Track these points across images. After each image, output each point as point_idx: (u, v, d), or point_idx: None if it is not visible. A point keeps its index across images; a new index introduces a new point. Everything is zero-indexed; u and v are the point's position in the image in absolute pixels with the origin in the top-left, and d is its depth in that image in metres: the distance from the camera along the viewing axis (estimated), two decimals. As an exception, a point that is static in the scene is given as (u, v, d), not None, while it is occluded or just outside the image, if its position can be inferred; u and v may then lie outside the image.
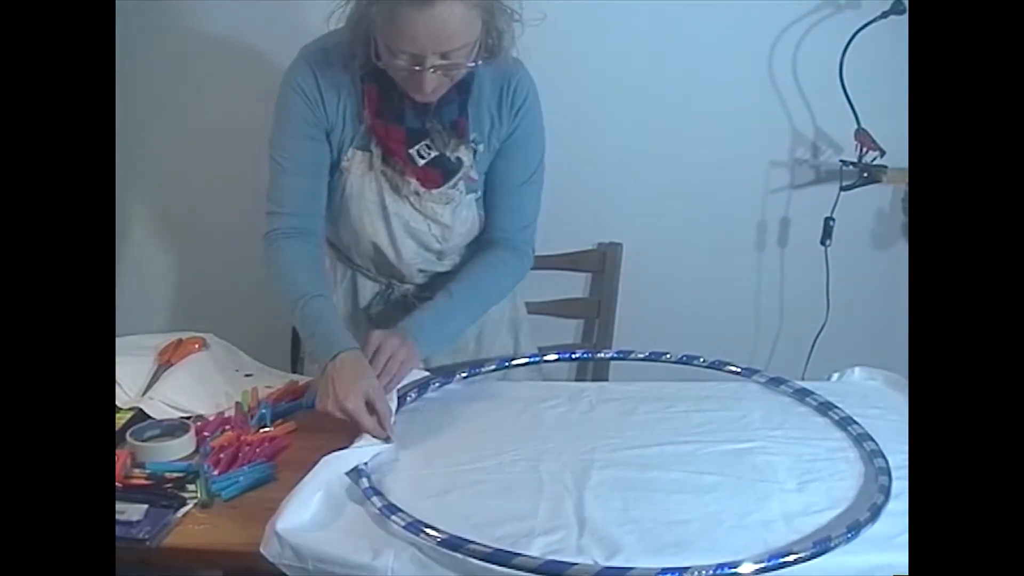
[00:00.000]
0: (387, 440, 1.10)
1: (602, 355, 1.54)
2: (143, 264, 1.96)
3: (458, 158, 1.31)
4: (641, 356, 1.39)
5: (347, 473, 1.03)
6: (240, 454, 1.10)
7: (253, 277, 1.73)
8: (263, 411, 1.21)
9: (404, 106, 1.26)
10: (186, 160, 1.88)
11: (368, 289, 1.44)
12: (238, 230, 1.86)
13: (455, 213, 1.34)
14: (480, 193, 1.36)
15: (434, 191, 1.32)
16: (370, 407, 1.11)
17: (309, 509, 0.94)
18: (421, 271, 1.41)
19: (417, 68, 1.14)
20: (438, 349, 1.30)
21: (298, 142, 1.27)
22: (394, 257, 1.37)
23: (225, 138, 1.82)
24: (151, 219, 1.93)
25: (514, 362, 1.40)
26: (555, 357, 1.46)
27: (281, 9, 1.70)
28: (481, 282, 1.34)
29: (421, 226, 1.34)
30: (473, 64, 1.18)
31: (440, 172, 1.31)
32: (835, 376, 1.36)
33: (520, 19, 1.19)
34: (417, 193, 1.31)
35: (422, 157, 1.30)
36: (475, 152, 1.32)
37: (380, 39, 1.15)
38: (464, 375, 1.33)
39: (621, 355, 1.44)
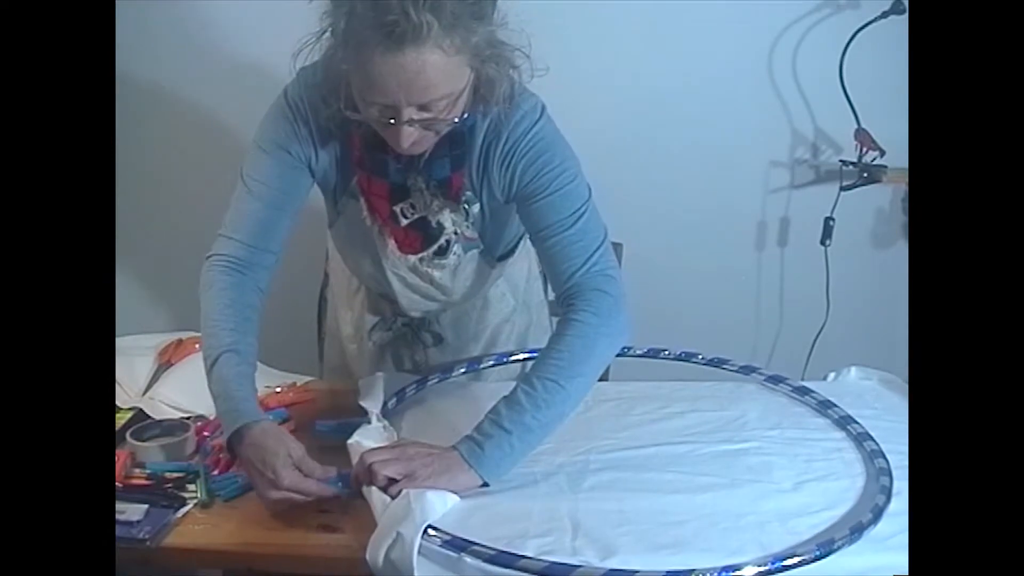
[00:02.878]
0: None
1: None
2: (143, 264, 1.97)
3: (439, 222, 1.16)
4: (640, 352, 1.39)
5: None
6: (240, 454, 1.11)
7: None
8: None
9: (388, 157, 1.10)
10: (186, 160, 1.89)
11: (369, 317, 1.36)
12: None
13: (455, 275, 1.23)
14: (483, 246, 1.22)
15: (411, 257, 1.18)
16: (304, 470, 0.97)
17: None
18: (425, 311, 1.33)
19: (392, 121, 0.98)
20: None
21: (275, 165, 1.12)
22: (395, 301, 1.28)
23: (224, 139, 1.82)
24: (151, 219, 1.93)
25: (512, 358, 1.38)
26: None
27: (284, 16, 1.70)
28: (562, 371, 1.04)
29: (420, 284, 1.24)
30: (460, 119, 1.01)
31: (420, 236, 1.17)
32: (831, 376, 1.36)
33: (518, 66, 1.03)
34: (396, 256, 1.18)
35: (405, 217, 1.16)
36: (467, 213, 1.17)
37: (352, 86, 0.99)
38: (463, 371, 1.33)
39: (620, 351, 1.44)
